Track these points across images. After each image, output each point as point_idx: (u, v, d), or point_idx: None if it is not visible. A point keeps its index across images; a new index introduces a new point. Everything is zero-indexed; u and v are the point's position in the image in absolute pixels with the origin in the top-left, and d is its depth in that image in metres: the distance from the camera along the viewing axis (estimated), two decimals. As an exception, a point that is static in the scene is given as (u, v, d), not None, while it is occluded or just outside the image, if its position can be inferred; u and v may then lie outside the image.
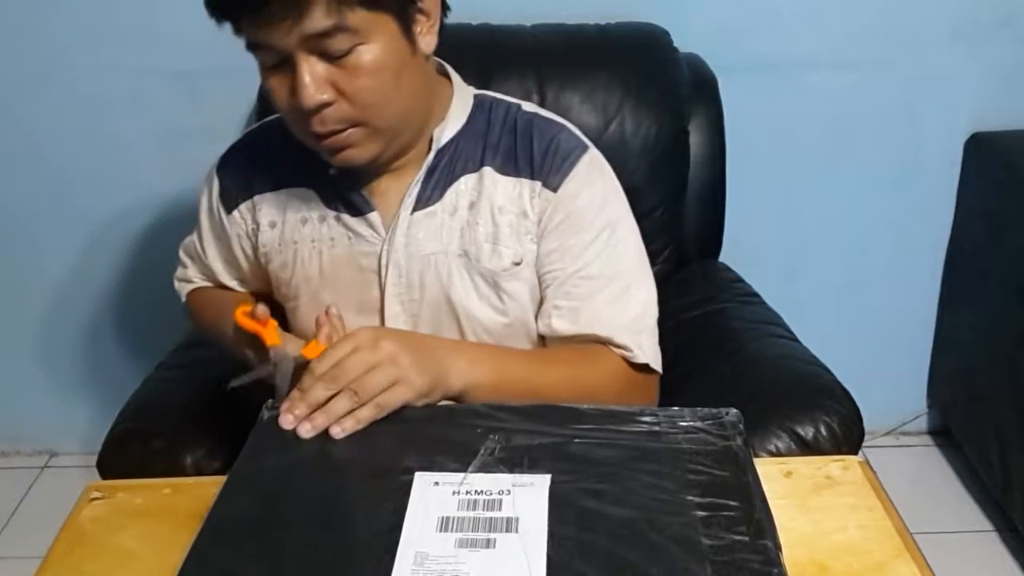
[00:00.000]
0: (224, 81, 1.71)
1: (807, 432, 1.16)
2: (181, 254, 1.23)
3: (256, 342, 0.96)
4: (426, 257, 1.03)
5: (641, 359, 1.03)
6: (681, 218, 1.57)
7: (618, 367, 1.03)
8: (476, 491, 0.77)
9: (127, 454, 1.19)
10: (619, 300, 1.04)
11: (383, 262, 1.04)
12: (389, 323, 1.05)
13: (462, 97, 1.07)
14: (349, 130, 0.94)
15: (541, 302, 1.06)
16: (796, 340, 1.36)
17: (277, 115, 1.04)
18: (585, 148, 1.06)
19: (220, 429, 1.14)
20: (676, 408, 0.86)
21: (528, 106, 1.09)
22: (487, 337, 1.05)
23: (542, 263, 1.04)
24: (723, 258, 1.66)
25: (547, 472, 0.78)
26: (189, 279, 1.23)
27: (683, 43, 1.57)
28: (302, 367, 0.90)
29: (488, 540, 0.72)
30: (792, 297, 1.57)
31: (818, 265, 1.94)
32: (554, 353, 1.06)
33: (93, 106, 1.78)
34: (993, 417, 1.80)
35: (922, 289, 1.98)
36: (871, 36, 1.74)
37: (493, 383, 0.95)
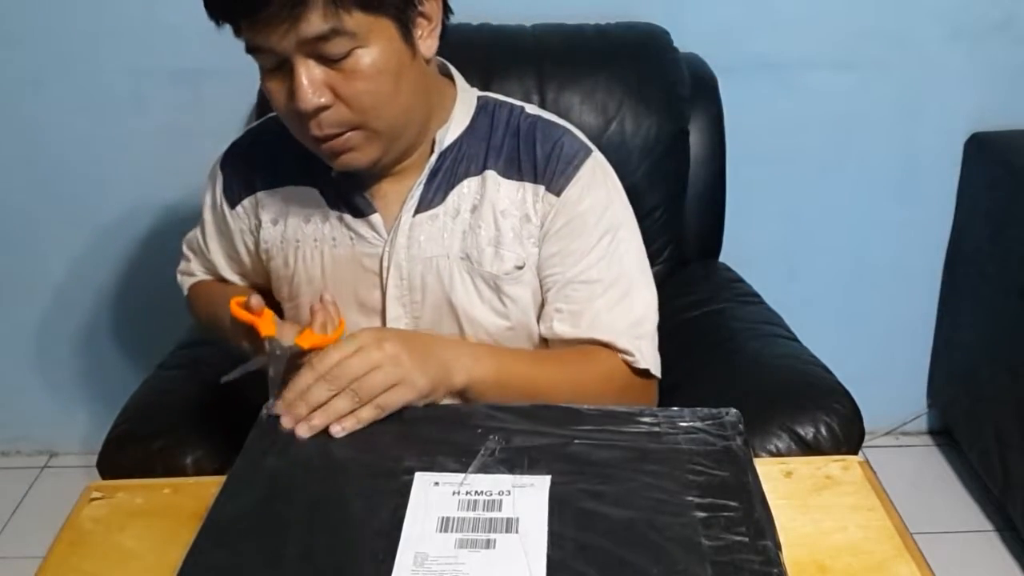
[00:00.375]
0: (224, 81, 1.71)
1: (807, 432, 1.16)
2: (184, 248, 1.23)
3: (252, 333, 0.95)
4: (428, 260, 1.03)
5: (641, 364, 1.03)
6: (681, 218, 1.57)
7: (618, 369, 1.03)
8: (476, 491, 0.77)
9: (127, 454, 1.19)
10: (619, 305, 1.04)
11: (385, 264, 1.04)
12: (390, 325, 1.05)
13: (465, 99, 1.06)
14: (348, 134, 0.94)
15: (542, 305, 1.06)
16: (796, 340, 1.36)
17: None
18: (589, 152, 1.06)
19: (220, 429, 1.14)
20: (676, 408, 0.87)
21: (531, 108, 1.09)
22: (488, 340, 1.05)
23: (543, 266, 1.04)
24: (723, 258, 1.66)
25: (547, 473, 0.78)
26: (191, 272, 1.23)
27: (683, 43, 1.57)
28: (297, 356, 0.90)
29: (488, 540, 0.72)
30: (792, 297, 1.57)
31: (818, 265, 1.94)
32: (555, 353, 1.06)
33: (93, 106, 1.79)
34: (993, 417, 1.80)
35: (922, 289, 1.98)
36: (871, 36, 1.74)
37: (495, 379, 0.95)
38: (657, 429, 0.84)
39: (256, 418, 0.87)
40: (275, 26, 0.86)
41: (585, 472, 0.78)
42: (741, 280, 1.57)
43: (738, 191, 1.64)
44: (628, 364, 1.04)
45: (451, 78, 1.08)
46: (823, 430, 1.16)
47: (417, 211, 1.03)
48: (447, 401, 0.93)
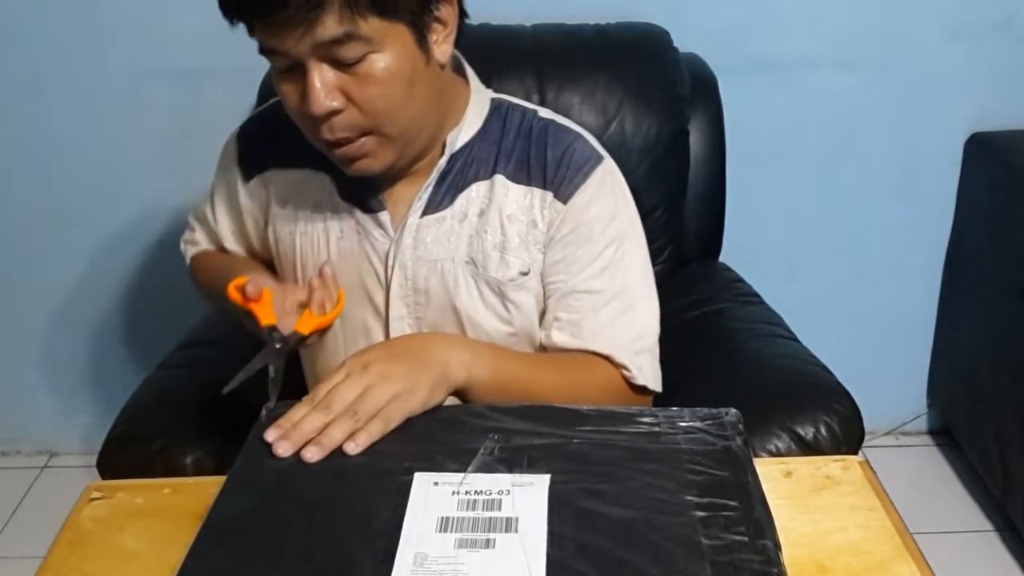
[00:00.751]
0: (224, 81, 1.71)
1: (807, 432, 1.16)
2: (190, 218, 1.22)
3: (250, 317, 0.94)
4: (433, 262, 1.03)
5: (639, 381, 1.02)
6: (681, 218, 1.57)
7: (614, 380, 1.02)
8: (476, 491, 0.77)
9: (127, 454, 1.19)
10: (621, 318, 1.03)
11: (390, 263, 1.03)
12: (393, 323, 1.05)
13: (479, 101, 1.05)
14: (362, 139, 0.93)
15: (544, 312, 1.05)
16: (796, 340, 1.36)
17: None
18: (600, 159, 1.05)
19: (220, 429, 1.14)
20: (676, 408, 0.86)
21: (545, 112, 1.08)
22: None
23: (547, 273, 1.03)
24: (723, 258, 1.66)
25: (547, 472, 0.78)
26: (195, 242, 1.22)
27: (683, 43, 1.57)
28: (297, 343, 0.91)
29: (488, 540, 0.72)
30: (792, 297, 1.57)
31: (818, 265, 1.94)
32: (554, 358, 1.04)
33: (93, 106, 1.79)
34: (993, 417, 1.80)
35: (922, 289, 1.98)
36: (871, 36, 1.74)
37: (493, 377, 0.94)
38: (657, 429, 0.84)
39: (256, 418, 0.87)
40: (290, 29, 0.85)
41: (585, 471, 0.78)
42: (741, 280, 1.57)
43: (738, 191, 1.64)
44: (626, 379, 1.03)
45: (465, 77, 1.07)
46: (823, 430, 1.16)
47: (425, 213, 1.02)
48: (447, 401, 0.93)
